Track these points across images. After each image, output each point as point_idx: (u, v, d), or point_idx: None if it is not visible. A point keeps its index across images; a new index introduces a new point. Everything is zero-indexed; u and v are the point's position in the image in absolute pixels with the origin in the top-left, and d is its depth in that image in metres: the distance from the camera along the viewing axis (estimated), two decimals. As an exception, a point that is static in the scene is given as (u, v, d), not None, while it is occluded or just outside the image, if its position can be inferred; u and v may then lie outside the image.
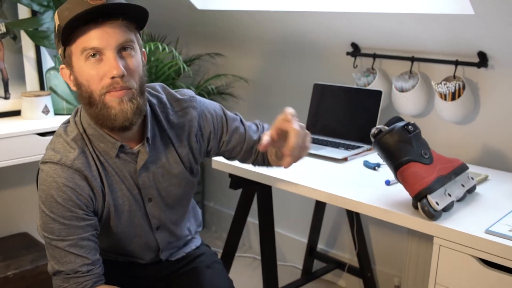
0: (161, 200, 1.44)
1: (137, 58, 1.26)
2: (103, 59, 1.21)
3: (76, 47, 1.21)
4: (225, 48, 3.03)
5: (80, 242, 1.29)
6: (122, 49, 1.23)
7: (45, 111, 2.30)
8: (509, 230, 1.43)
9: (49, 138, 2.15)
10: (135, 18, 1.26)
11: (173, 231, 1.54)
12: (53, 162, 1.28)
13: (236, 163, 1.91)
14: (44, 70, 2.44)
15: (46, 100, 2.31)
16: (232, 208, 2.54)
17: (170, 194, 1.45)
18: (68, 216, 1.27)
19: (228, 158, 1.60)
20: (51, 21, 2.28)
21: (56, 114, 2.39)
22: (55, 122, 2.27)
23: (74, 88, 1.29)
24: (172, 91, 1.46)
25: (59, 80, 2.38)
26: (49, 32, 2.29)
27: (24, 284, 2.19)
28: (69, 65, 1.26)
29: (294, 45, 2.68)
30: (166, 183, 1.43)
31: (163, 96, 1.43)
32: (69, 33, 1.20)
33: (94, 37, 1.19)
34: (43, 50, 2.44)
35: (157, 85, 1.47)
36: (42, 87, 2.44)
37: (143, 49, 1.33)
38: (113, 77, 1.21)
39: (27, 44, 2.38)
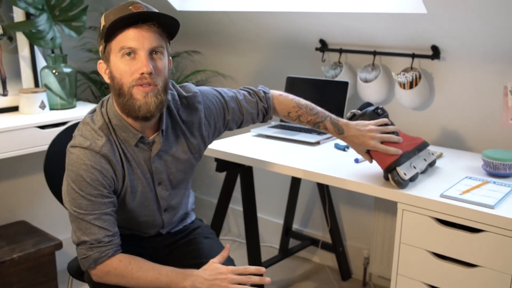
0: (169, 183, 1.64)
1: (164, 62, 1.48)
2: (136, 58, 1.42)
3: (115, 45, 1.42)
4: (202, 46, 3.21)
5: (103, 216, 1.48)
6: (153, 52, 1.44)
7: (42, 106, 2.45)
8: (459, 194, 1.69)
9: (48, 130, 2.32)
10: (168, 27, 1.47)
11: (177, 210, 1.75)
12: (83, 147, 1.47)
13: (221, 147, 2.16)
14: (38, 68, 2.58)
15: (42, 96, 2.46)
16: (215, 196, 2.68)
17: (176, 178, 1.66)
18: (95, 194, 1.46)
19: (236, 128, 1.84)
20: (46, 23, 2.45)
21: (51, 109, 2.54)
22: (51, 116, 2.43)
23: (107, 81, 1.49)
24: (179, 87, 1.67)
25: (52, 78, 2.54)
26: (44, 33, 2.45)
27: (27, 265, 2.35)
28: (107, 60, 1.46)
29: (267, 42, 2.86)
30: (174, 168, 1.63)
31: (175, 93, 1.64)
32: (111, 33, 1.41)
33: (131, 38, 1.41)
34: (37, 49, 2.58)
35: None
36: (36, 85, 2.58)
37: (170, 57, 1.53)
38: (142, 73, 1.42)
39: (21, 44, 2.51)
